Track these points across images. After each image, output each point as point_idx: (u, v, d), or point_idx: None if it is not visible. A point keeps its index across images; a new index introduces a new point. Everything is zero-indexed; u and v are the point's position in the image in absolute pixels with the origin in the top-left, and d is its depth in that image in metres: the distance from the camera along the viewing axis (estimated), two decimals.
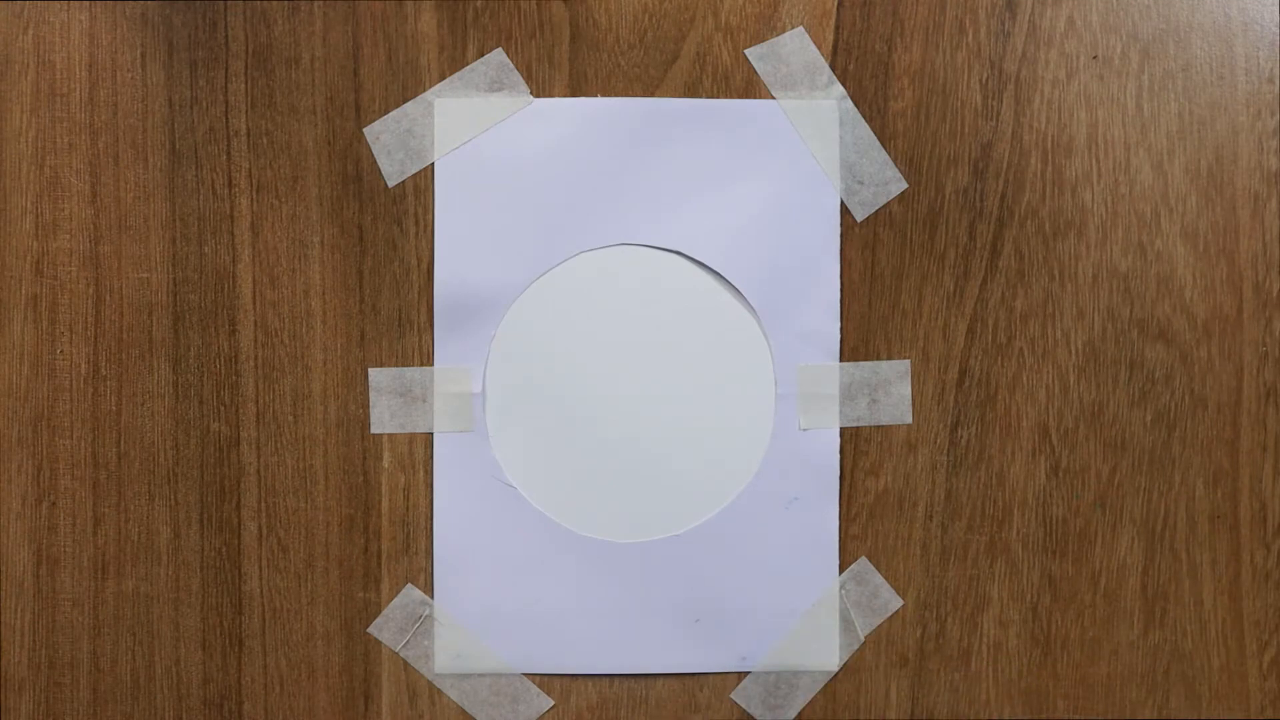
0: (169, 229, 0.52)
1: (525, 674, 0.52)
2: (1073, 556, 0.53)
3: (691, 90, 0.53)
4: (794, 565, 0.52)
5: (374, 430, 0.52)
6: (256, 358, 0.52)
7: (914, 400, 0.53)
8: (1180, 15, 0.53)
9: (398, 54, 0.52)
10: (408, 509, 0.52)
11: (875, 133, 0.53)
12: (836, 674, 0.52)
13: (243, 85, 0.52)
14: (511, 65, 0.52)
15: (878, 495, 0.53)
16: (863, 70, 0.53)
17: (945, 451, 0.53)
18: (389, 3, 0.52)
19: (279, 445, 0.52)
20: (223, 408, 0.52)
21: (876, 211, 0.53)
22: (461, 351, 0.52)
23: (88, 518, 0.52)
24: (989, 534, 0.53)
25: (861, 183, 0.53)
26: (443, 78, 0.52)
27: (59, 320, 0.52)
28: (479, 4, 0.53)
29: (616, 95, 0.53)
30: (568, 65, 0.53)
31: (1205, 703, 0.53)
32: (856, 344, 0.53)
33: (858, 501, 0.52)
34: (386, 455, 0.52)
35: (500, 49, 0.52)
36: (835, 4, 0.53)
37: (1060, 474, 0.53)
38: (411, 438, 0.52)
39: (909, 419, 0.52)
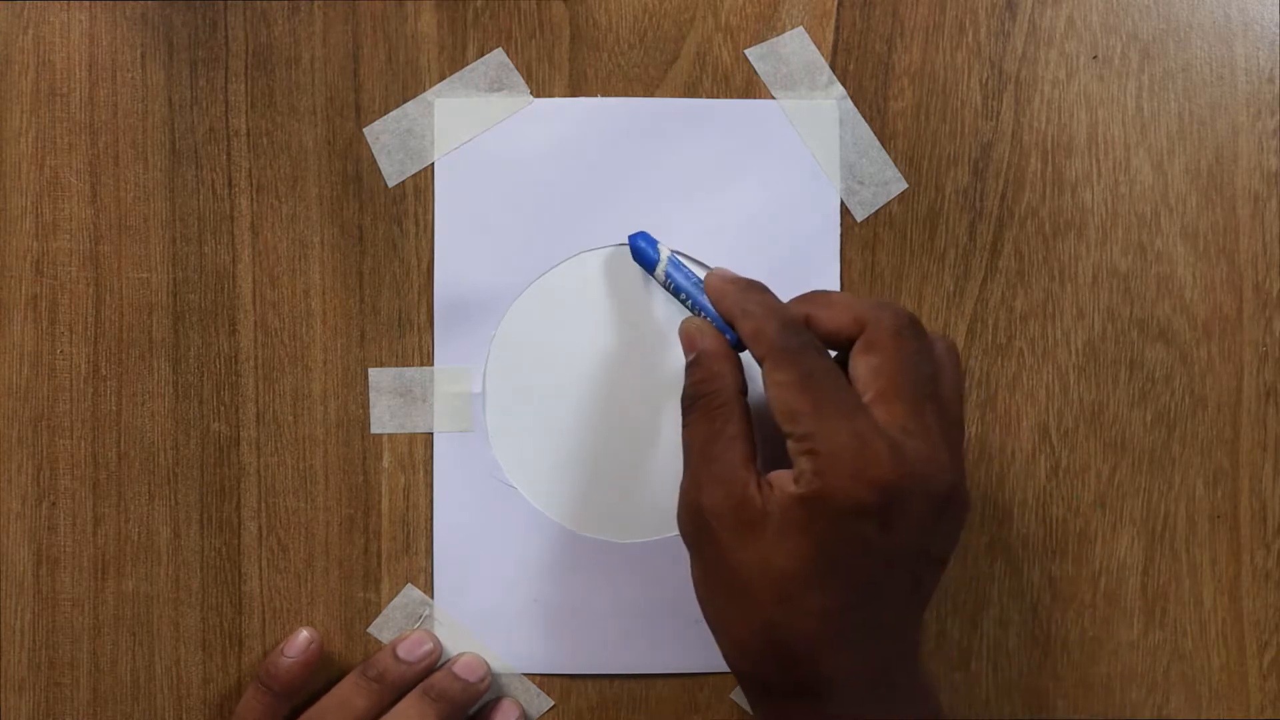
0: (169, 229, 0.52)
1: (525, 674, 0.52)
2: (1073, 556, 0.53)
3: (691, 90, 0.53)
4: None
5: (374, 430, 0.52)
6: (256, 358, 0.52)
7: None
8: (1180, 15, 0.53)
9: (398, 54, 0.52)
10: (408, 509, 0.52)
11: (875, 133, 0.53)
12: None
13: (243, 85, 0.52)
14: (511, 65, 0.52)
15: None
16: (863, 70, 0.53)
17: None
18: (389, 3, 0.52)
19: (279, 445, 0.52)
20: (223, 408, 0.52)
21: (876, 211, 0.53)
22: (461, 351, 0.52)
23: (88, 518, 0.52)
24: (989, 534, 0.53)
25: (861, 183, 0.53)
26: (443, 78, 0.52)
27: (59, 320, 0.52)
28: (479, 4, 0.53)
29: (616, 95, 0.53)
30: (568, 65, 0.53)
31: (1205, 703, 0.53)
32: None
33: None
34: (386, 455, 0.52)
35: (500, 49, 0.52)
36: (835, 4, 0.53)
37: (1060, 474, 0.53)
38: (411, 438, 0.52)
39: None
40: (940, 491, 0.39)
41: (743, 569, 0.39)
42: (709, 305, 0.47)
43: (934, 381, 0.41)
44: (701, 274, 0.49)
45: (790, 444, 0.39)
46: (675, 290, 0.49)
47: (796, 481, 0.39)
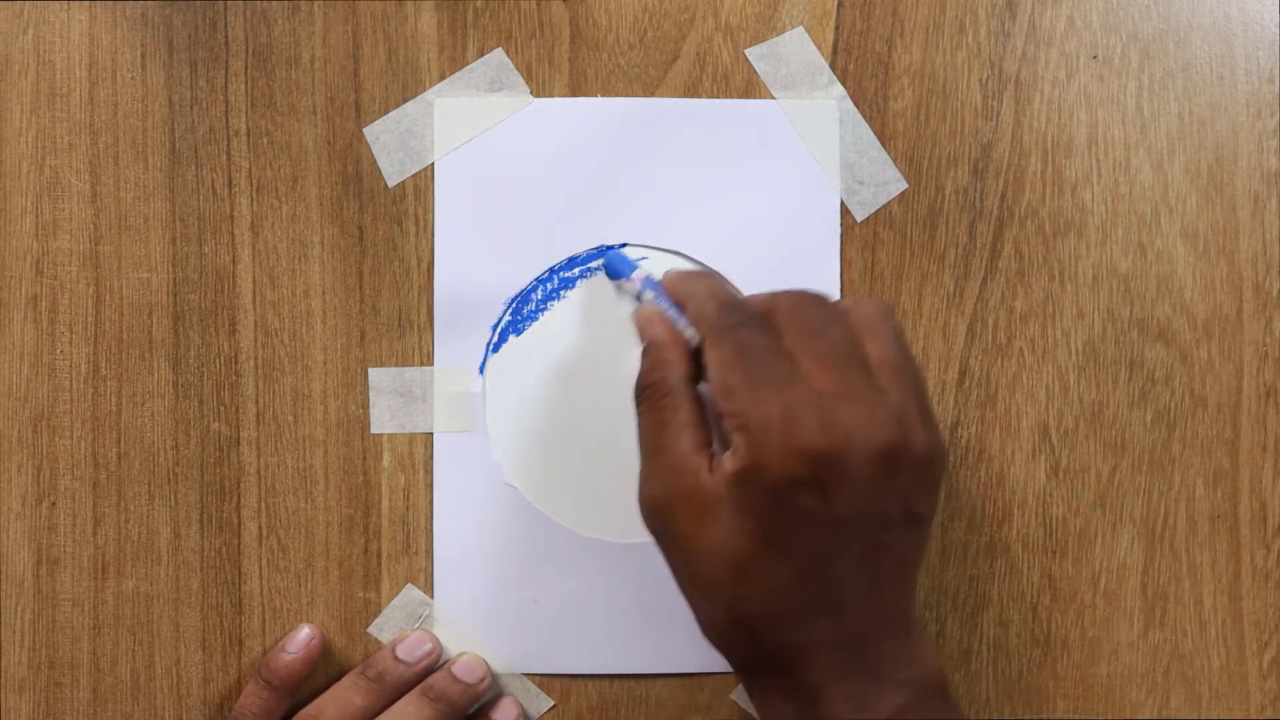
0: (169, 229, 0.52)
1: (525, 674, 0.52)
2: (1073, 556, 0.53)
3: (691, 90, 0.53)
4: None
5: (374, 430, 0.52)
6: (256, 358, 0.52)
7: None
8: (1180, 15, 0.53)
9: (398, 54, 0.52)
10: (408, 509, 0.52)
11: (875, 133, 0.53)
12: None
13: (243, 85, 0.52)
14: (511, 65, 0.52)
15: None
16: (863, 70, 0.53)
17: None
18: (389, 3, 0.52)
19: (279, 445, 0.52)
20: (223, 408, 0.52)
21: (876, 211, 0.53)
22: (461, 351, 0.52)
23: (88, 518, 0.52)
24: (989, 534, 0.53)
25: (861, 183, 0.53)
26: (443, 78, 0.52)
27: (59, 320, 0.52)
28: (479, 4, 0.53)
29: (616, 95, 0.53)
30: (568, 65, 0.53)
31: (1205, 703, 0.53)
32: None
33: None
34: (386, 455, 0.52)
35: (500, 49, 0.52)
36: (835, 4, 0.53)
37: (1060, 474, 0.53)
38: (411, 438, 0.52)
39: None
40: (881, 450, 0.39)
41: (702, 553, 0.39)
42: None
43: (852, 343, 0.41)
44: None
45: (726, 421, 0.39)
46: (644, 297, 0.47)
47: (732, 458, 0.39)
